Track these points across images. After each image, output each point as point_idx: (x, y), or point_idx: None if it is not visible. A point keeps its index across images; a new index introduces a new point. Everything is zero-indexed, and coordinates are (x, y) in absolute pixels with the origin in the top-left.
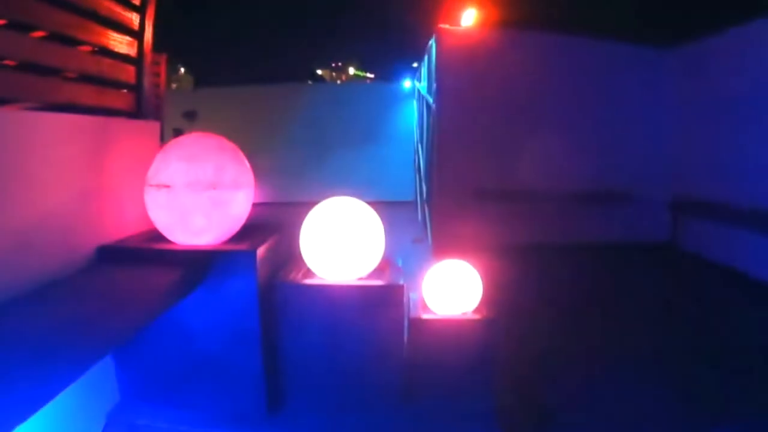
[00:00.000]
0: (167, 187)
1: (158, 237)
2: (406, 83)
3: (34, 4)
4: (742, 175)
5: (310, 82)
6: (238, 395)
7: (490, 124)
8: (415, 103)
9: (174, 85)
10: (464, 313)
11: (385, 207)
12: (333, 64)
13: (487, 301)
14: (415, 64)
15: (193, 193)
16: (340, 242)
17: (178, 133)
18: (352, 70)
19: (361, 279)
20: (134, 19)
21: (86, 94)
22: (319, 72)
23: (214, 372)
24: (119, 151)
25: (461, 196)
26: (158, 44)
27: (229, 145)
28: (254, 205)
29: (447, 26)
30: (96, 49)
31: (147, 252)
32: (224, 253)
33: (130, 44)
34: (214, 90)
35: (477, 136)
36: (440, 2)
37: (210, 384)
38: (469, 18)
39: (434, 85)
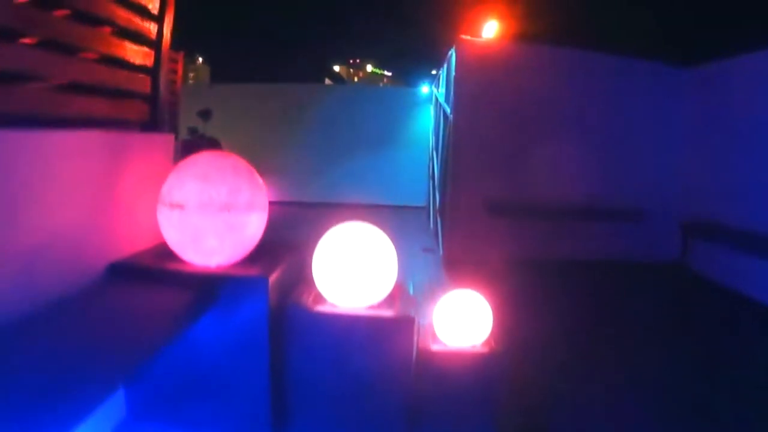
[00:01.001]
0: (180, 207)
1: (170, 254)
2: (424, 89)
3: (51, 16)
4: (755, 200)
5: (327, 80)
6: (245, 416)
7: (506, 137)
8: (432, 109)
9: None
10: (473, 345)
11: (396, 212)
12: (350, 61)
13: (496, 331)
14: (434, 71)
15: (206, 215)
16: (353, 269)
17: (193, 131)
18: (369, 68)
19: (371, 307)
20: (152, 28)
21: (100, 106)
22: (336, 68)
23: (221, 391)
24: (132, 166)
25: (474, 208)
26: (176, 35)
27: (244, 166)
28: (269, 203)
29: (467, 37)
30: (111, 58)
31: (158, 272)
32: (237, 278)
33: (146, 55)
34: (230, 86)
35: (492, 150)
36: (462, 11)
37: (216, 403)
38: (490, 30)
39: (452, 97)
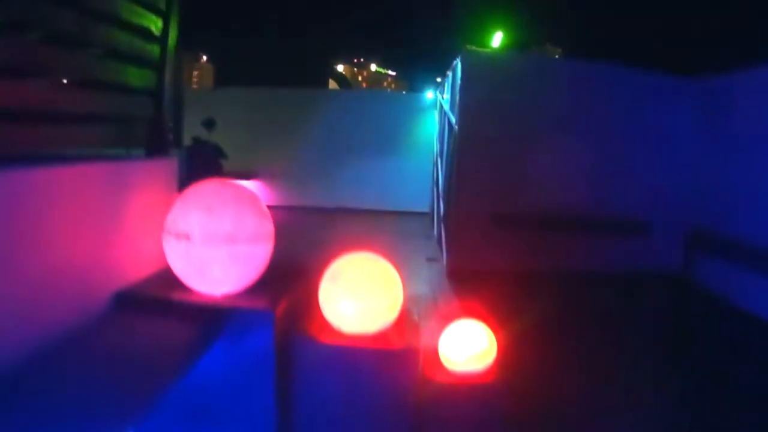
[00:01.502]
0: (186, 238)
1: (175, 281)
2: (429, 94)
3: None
4: (760, 214)
5: (330, 81)
6: None
7: (511, 148)
8: (436, 114)
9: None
10: (477, 374)
11: (400, 218)
12: (355, 60)
13: (500, 359)
14: (438, 79)
15: (212, 247)
16: (359, 300)
17: (197, 141)
18: (373, 67)
19: (377, 333)
20: (154, 50)
21: (102, 132)
22: (340, 68)
23: (227, 422)
24: (136, 195)
25: (479, 219)
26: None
27: (248, 195)
28: (273, 207)
29: (473, 48)
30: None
31: (164, 302)
32: (243, 310)
33: (149, 77)
34: (234, 91)
35: (497, 160)
36: (468, 17)
37: None
38: (497, 40)
39: (457, 108)
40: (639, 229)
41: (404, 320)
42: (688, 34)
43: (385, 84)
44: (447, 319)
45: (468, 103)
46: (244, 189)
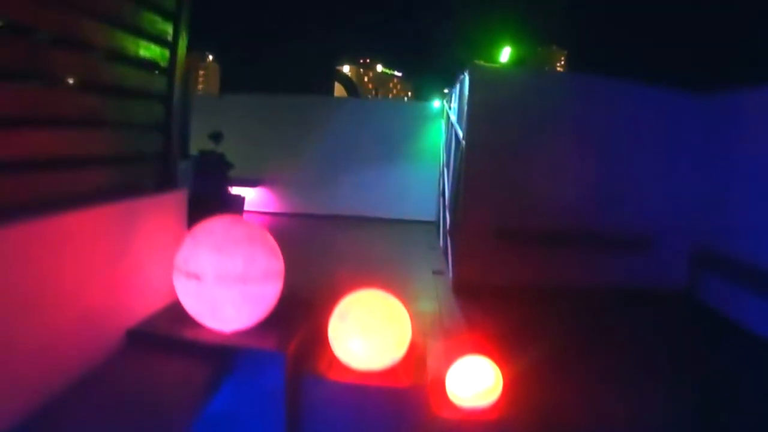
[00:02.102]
0: (197, 278)
1: (185, 317)
2: (436, 103)
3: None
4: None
5: (336, 84)
6: None
7: (517, 163)
8: (443, 123)
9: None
10: (484, 411)
11: (406, 227)
12: (361, 61)
13: (506, 396)
14: (446, 90)
15: (223, 287)
16: (368, 337)
17: (204, 155)
18: (379, 68)
19: (386, 369)
20: (161, 82)
21: (111, 173)
22: (346, 68)
23: None
24: (147, 231)
25: (486, 234)
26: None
27: (259, 233)
28: (279, 215)
29: (481, 63)
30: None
31: (175, 340)
32: (253, 350)
33: (157, 111)
34: (240, 97)
35: (504, 175)
36: (478, 31)
37: None
38: (505, 56)
39: (464, 122)
40: (645, 246)
41: (412, 355)
42: (699, 49)
43: (390, 85)
44: (454, 353)
45: (475, 117)
46: (255, 227)
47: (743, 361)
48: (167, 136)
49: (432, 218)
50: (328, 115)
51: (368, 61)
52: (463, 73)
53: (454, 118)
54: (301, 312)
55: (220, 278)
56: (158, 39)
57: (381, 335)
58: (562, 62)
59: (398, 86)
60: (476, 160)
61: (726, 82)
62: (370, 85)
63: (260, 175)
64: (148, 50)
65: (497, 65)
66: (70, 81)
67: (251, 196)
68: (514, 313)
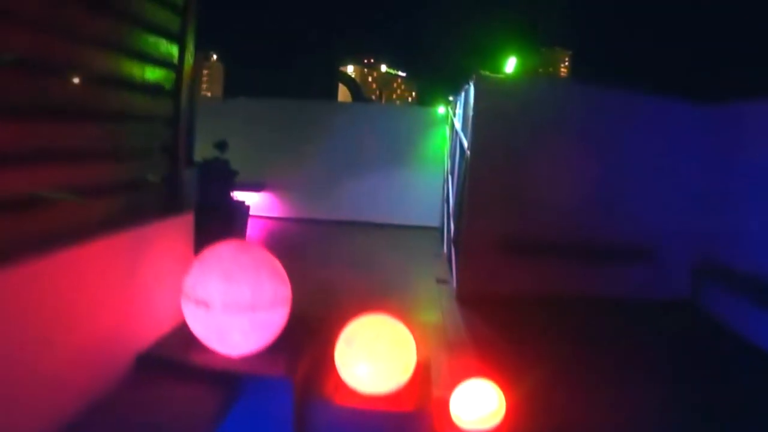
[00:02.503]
0: (205, 305)
1: (194, 341)
2: (440, 109)
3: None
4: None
5: (340, 85)
6: None
7: (520, 174)
8: (447, 129)
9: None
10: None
11: (410, 233)
12: (365, 61)
13: (510, 417)
14: (450, 98)
15: (231, 315)
16: (374, 362)
17: (208, 162)
18: (384, 68)
19: (391, 393)
20: (167, 105)
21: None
22: (350, 68)
23: None
24: (155, 257)
25: (488, 245)
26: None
27: (266, 260)
28: (283, 219)
29: (486, 73)
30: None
31: (184, 365)
32: (261, 377)
33: (164, 133)
34: (244, 101)
35: (508, 186)
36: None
37: None
38: (510, 66)
39: (469, 133)
40: (647, 256)
41: (417, 379)
42: (704, 59)
43: (395, 85)
44: (458, 375)
45: (480, 128)
46: (262, 253)
47: (741, 371)
48: (174, 160)
49: (436, 224)
50: (333, 120)
51: (372, 61)
52: (468, 83)
53: (458, 125)
54: (307, 336)
55: (228, 306)
56: (163, 62)
57: (387, 360)
58: (566, 63)
59: (402, 86)
60: (480, 170)
61: (729, 83)
62: (374, 85)
63: (265, 180)
64: (154, 73)
65: (502, 76)
66: (73, 110)
67: (255, 200)
68: (518, 324)
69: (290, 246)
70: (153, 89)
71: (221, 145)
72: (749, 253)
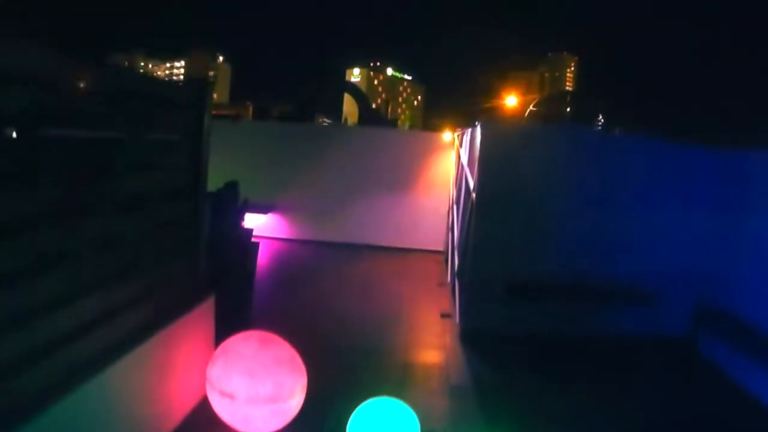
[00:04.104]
0: (230, 397)
1: (218, 421)
2: (447, 135)
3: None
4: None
5: (346, 95)
6: None
7: (525, 217)
8: (453, 156)
9: (211, 74)
10: None
11: (416, 258)
12: (371, 64)
13: None
14: (457, 133)
15: (254, 407)
16: None
17: (220, 192)
18: (390, 71)
19: None
20: (187, 208)
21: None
22: (357, 71)
23: None
24: (179, 347)
25: (493, 286)
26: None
27: (287, 355)
28: (290, 241)
29: (493, 119)
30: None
31: None
32: None
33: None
34: (251, 124)
35: (512, 230)
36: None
37: None
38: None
39: (475, 177)
40: (649, 298)
41: None
42: (717, 105)
43: (401, 88)
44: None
45: (486, 174)
46: (282, 349)
47: (730, 418)
48: (195, 259)
49: (441, 248)
50: (341, 143)
51: (378, 63)
52: (476, 124)
53: (465, 159)
54: (322, 412)
55: (252, 400)
56: (181, 173)
57: None
58: (572, 68)
59: (408, 90)
60: (485, 214)
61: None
62: (380, 88)
63: (273, 202)
64: (171, 182)
65: (509, 121)
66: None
67: (264, 222)
68: (520, 366)
69: (296, 272)
70: (173, 196)
71: (232, 186)
72: (747, 300)
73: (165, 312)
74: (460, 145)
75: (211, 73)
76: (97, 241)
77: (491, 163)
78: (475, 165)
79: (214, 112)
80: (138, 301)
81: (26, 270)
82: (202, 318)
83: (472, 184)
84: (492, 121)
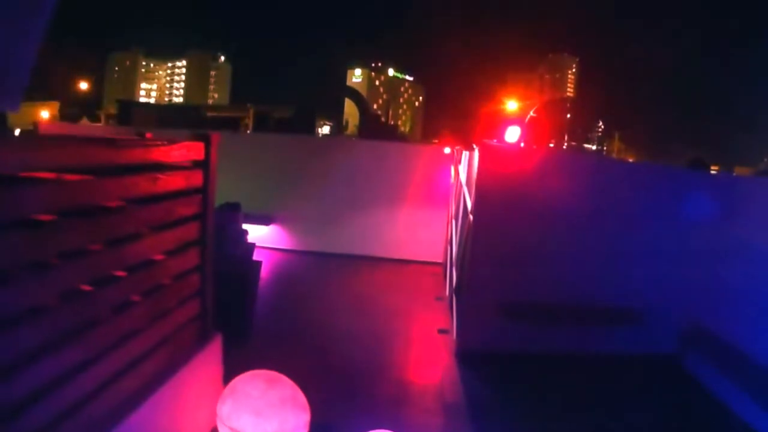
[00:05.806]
0: None
1: None
2: (446, 148)
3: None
4: (756, 323)
5: (346, 99)
6: None
7: (522, 239)
8: (452, 169)
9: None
10: None
11: (414, 270)
12: (372, 65)
13: None
14: (456, 149)
15: None
16: None
17: (221, 209)
18: (391, 71)
19: None
20: (195, 257)
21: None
22: (358, 72)
23: None
24: (190, 387)
25: (489, 306)
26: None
27: (290, 394)
28: (290, 251)
29: (491, 142)
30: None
31: None
32: None
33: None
34: (252, 135)
35: (509, 251)
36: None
37: None
38: (513, 135)
39: (472, 200)
40: (640, 318)
41: None
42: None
43: (402, 89)
44: None
45: (483, 197)
46: (287, 388)
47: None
48: (204, 301)
49: (439, 260)
50: (341, 155)
51: (380, 64)
52: (474, 149)
53: (463, 176)
54: None
55: None
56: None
57: None
58: (574, 69)
59: (410, 90)
60: (482, 238)
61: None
62: (381, 89)
63: (273, 213)
64: (177, 235)
65: (506, 145)
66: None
67: (264, 232)
68: (516, 384)
69: (295, 285)
70: (181, 248)
71: (234, 207)
72: (734, 325)
73: (178, 356)
74: (459, 161)
75: (212, 73)
76: (116, 306)
77: (488, 189)
78: (473, 187)
79: (215, 114)
80: (154, 351)
81: (52, 344)
82: (211, 356)
83: (470, 206)
84: (490, 145)
